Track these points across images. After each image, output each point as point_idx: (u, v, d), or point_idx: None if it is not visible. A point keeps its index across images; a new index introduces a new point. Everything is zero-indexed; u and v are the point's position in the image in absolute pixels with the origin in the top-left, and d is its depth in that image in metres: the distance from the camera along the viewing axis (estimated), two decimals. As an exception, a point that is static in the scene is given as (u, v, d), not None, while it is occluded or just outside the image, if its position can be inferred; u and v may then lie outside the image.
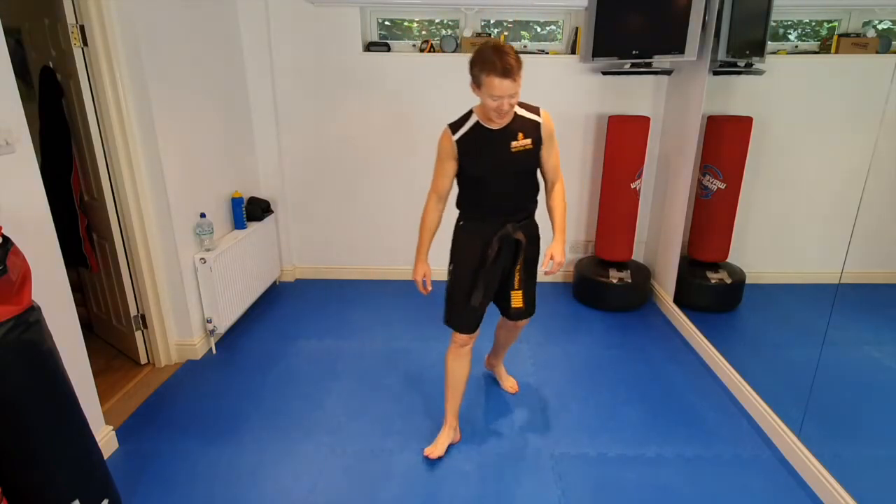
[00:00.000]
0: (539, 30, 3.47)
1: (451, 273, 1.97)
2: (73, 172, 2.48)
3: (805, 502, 1.85)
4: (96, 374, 2.07)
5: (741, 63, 2.78)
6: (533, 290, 2.06)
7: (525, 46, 3.42)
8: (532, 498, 1.86)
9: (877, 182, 1.81)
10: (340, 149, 3.45)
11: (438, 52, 3.28)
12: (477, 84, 1.68)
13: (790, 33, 2.81)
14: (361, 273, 3.74)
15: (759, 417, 2.23)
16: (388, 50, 3.27)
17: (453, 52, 3.26)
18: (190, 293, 2.65)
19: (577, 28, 3.22)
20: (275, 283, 3.58)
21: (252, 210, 3.19)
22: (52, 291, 1.76)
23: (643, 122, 3.10)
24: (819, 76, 2.67)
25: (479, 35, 3.30)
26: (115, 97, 2.25)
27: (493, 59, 1.59)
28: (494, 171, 1.83)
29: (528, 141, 1.81)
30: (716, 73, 2.81)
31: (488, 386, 2.51)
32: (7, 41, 1.60)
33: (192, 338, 2.70)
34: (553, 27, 3.45)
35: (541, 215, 1.99)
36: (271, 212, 3.39)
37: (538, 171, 1.94)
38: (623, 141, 3.12)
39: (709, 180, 2.92)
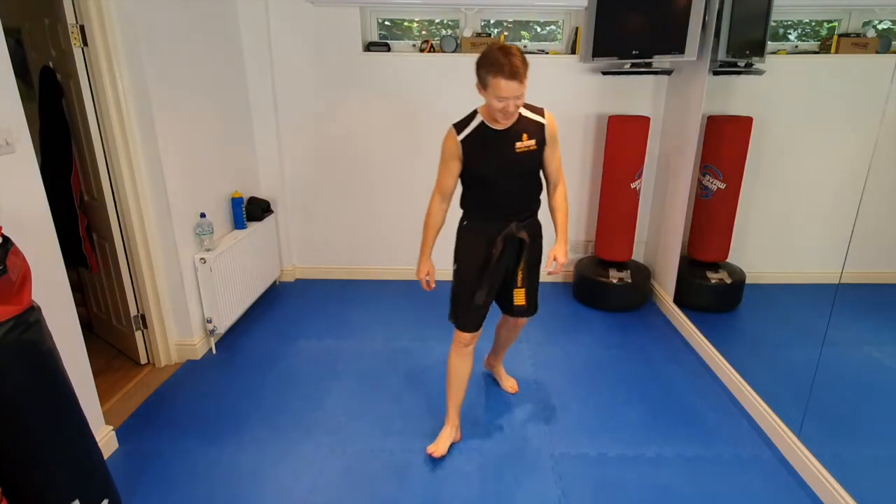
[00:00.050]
0: (539, 30, 3.47)
1: (455, 273, 1.98)
2: (73, 172, 2.48)
3: (805, 502, 1.85)
4: (96, 374, 2.07)
5: (741, 63, 2.78)
6: (535, 288, 2.07)
7: (525, 46, 3.42)
8: (532, 498, 1.86)
9: (877, 182, 1.81)
10: (340, 149, 3.44)
11: (438, 52, 3.28)
12: (483, 85, 1.68)
13: (790, 33, 2.81)
14: (361, 273, 3.74)
15: (759, 417, 2.24)
16: (388, 50, 3.27)
17: (453, 52, 3.26)
18: (190, 293, 2.65)
19: (577, 28, 3.22)
20: (275, 283, 3.58)
21: (252, 210, 3.19)
22: (52, 291, 1.76)
23: (643, 122, 3.10)
24: (819, 76, 2.67)
25: (479, 35, 3.30)
26: (115, 97, 2.25)
27: (500, 60, 1.60)
28: (499, 172, 1.84)
29: (533, 142, 1.81)
30: (716, 73, 2.81)
31: (488, 386, 2.51)
32: (7, 41, 1.60)
33: (192, 338, 2.70)
34: (553, 27, 3.45)
35: (542, 214, 2.01)
36: (271, 212, 3.39)
37: (541, 171, 1.95)
38: (623, 141, 3.12)
39: (709, 180, 2.92)
